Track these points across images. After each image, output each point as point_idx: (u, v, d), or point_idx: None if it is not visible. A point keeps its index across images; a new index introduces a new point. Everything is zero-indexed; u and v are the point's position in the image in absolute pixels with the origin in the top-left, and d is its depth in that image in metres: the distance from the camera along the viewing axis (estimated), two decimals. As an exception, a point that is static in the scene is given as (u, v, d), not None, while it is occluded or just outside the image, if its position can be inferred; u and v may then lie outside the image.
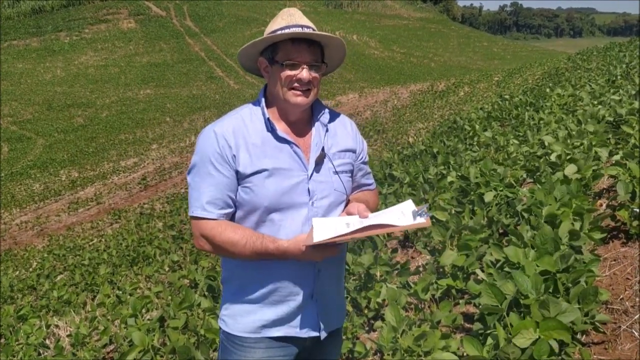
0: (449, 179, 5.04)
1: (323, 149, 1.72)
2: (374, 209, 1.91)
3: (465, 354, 2.28)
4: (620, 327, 2.27)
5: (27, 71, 56.63)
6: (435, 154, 7.61)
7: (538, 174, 4.21)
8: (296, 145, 1.68)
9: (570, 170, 3.76)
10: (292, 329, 1.74)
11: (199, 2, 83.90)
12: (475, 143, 7.60)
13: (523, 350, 1.96)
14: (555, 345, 1.94)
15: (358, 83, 48.24)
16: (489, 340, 2.12)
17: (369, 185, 1.95)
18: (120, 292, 6.08)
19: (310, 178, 1.68)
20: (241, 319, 1.74)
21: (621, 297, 2.45)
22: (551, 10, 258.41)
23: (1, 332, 5.30)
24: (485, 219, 3.62)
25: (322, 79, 1.74)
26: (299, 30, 1.61)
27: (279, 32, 1.62)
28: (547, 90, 11.66)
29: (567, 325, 1.95)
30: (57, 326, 5.03)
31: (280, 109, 1.70)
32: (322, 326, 1.77)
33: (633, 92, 6.64)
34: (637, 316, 2.28)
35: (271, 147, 1.66)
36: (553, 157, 4.31)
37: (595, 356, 2.17)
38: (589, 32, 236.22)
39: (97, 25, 73.64)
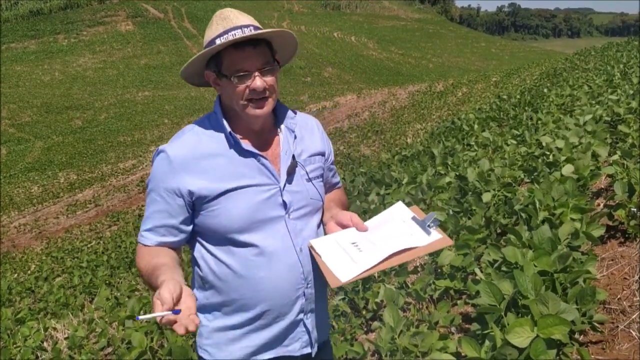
0: (447, 179, 5.04)
1: (294, 157, 1.58)
2: (347, 207, 1.85)
3: (463, 355, 2.28)
4: (618, 326, 2.26)
5: (25, 74, 56.66)
6: (434, 154, 7.61)
7: (536, 174, 4.21)
8: (263, 157, 1.52)
9: (568, 169, 3.76)
10: (284, 349, 1.63)
11: (197, 4, 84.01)
12: (473, 143, 7.61)
13: (521, 351, 1.95)
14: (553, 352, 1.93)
15: (356, 84, 48.30)
16: (487, 341, 2.12)
17: (337, 183, 1.86)
18: (119, 294, 6.08)
19: (283, 189, 1.54)
20: (227, 347, 1.59)
21: (619, 296, 2.45)
22: (549, 10, 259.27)
23: None
24: (483, 219, 3.62)
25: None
26: (239, 33, 1.42)
27: (217, 40, 1.44)
28: (545, 90, 11.68)
29: (566, 320, 1.94)
30: (55, 329, 5.02)
31: (240, 120, 1.54)
32: (313, 341, 1.67)
33: (631, 92, 6.65)
34: (635, 315, 2.27)
35: (235, 164, 1.50)
36: (551, 157, 4.31)
37: (593, 356, 2.16)
38: (587, 32, 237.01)
39: (95, 28, 73.77)
